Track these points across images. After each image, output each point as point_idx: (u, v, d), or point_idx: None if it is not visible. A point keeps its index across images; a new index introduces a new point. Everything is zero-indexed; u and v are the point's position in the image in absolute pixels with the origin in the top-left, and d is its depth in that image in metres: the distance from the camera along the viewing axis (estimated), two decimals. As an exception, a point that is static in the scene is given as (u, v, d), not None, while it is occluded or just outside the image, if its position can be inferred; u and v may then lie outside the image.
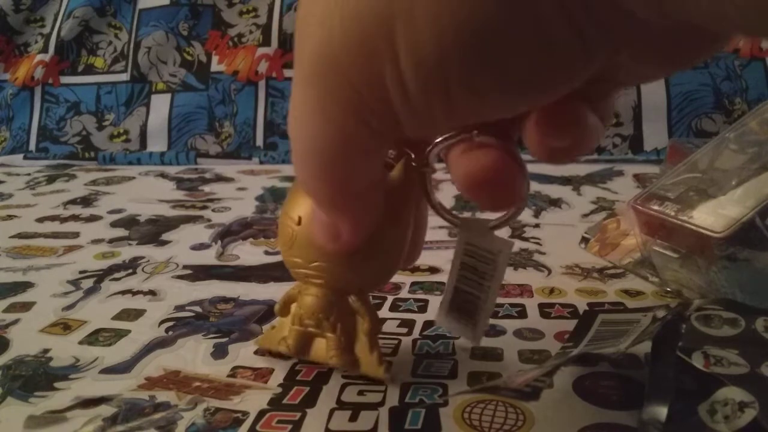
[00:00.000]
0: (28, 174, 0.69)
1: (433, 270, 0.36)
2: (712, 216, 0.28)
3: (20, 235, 0.46)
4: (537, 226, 0.45)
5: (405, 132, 0.16)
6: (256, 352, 0.27)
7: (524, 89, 0.16)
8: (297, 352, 0.25)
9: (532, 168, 0.23)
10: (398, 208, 0.22)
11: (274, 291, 0.34)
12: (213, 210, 0.52)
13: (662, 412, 0.19)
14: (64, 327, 0.30)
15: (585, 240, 0.39)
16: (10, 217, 0.51)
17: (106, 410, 0.23)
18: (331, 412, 0.22)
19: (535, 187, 0.55)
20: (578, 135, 0.19)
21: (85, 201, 0.56)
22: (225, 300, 0.33)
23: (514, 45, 0.14)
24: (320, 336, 0.24)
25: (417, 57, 0.14)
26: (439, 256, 0.38)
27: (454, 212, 0.23)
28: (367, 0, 0.14)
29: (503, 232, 0.23)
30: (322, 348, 0.24)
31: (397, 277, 0.35)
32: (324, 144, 0.17)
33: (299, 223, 0.23)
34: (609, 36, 0.14)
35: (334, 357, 0.24)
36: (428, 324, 0.29)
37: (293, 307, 0.25)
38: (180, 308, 0.32)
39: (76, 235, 0.46)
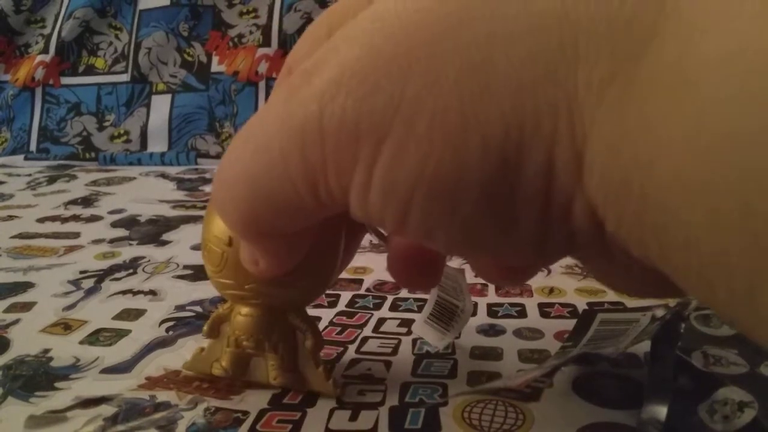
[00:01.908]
0: (29, 174, 0.70)
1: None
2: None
3: (21, 236, 0.46)
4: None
5: (350, 215, 0.16)
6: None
7: (477, 253, 0.17)
8: (235, 374, 0.23)
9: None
10: (333, 226, 0.21)
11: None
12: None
13: (662, 411, 0.19)
14: (65, 327, 0.30)
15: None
16: (10, 217, 0.51)
17: (107, 410, 0.23)
18: (331, 411, 0.22)
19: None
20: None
21: (86, 201, 0.56)
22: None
23: (479, 223, 0.14)
24: (258, 356, 0.23)
25: (391, 177, 0.14)
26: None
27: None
28: (375, 95, 0.14)
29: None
30: (262, 368, 0.23)
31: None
32: (265, 182, 0.16)
33: (230, 244, 0.21)
34: (576, 251, 0.15)
35: (279, 377, 0.23)
36: (428, 324, 0.29)
37: (224, 327, 0.24)
38: (180, 308, 0.32)
39: (76, 235, 0.46)
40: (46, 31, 0.86)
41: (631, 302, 0.32)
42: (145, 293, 0.34)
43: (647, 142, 0.11)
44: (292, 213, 0.16)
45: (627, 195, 0.12)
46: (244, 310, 0.23)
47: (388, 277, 0.34)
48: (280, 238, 0.18)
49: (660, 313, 0.23)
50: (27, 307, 0.32)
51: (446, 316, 0.27)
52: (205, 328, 0.24)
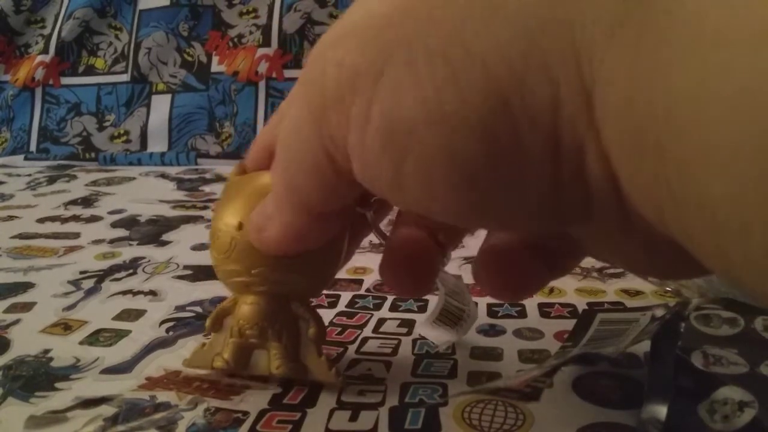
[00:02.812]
0: (29, 175, 0.70)
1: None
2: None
3: (21, 236, 0.46)
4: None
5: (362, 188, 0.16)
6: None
7: (485, 219, 0.15)
8: (237, 366, 0.23)
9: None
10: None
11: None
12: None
13: (662, 411, 0.19)
14: (65, 327, 0.30)
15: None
16: (10, 217, 0.51)
17: (107, 410, 0.23)
18: (331, 412, 0.22)
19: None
20: (514, 281, 0.20)
21: (86, 201, 0.56)
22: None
23: (483, 174, 0.13)
24: (260, 347, 0.23)
25: (388, 115, 0.13)
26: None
27: None
28: (372, 44, 0.14)
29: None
30: (264, 359, 0.23)
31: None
32: (296, 156, 0.17)
33: (240, 228, 0.22)
34: (592, 217, 0.14)
35: (281, 366, 0.23)
36: (428, 324, 0.29)
37: (227, 320, 0.24)
38: (180, 308, 0.32)
39: (76, 235, 0.46)
40: (46, 32, 0.86)
41: (631, 302, 0.32)
42: (145, 293, 0.34)
43: (664, 91, 0.10)
44: (319, 182, 0.17)
45: (642, 147, 0.11)
46: (249, 299, 0.23)
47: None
48: (310, 216, 0.19)
49: (660, 313, 0.23)
50: (27, 307, 0.32)
51: (451, 319, 0.27)
52: (208, 322, 0.24)
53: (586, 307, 0.31)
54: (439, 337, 0.27)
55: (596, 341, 0.23)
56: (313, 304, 0.24)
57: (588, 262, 0.37)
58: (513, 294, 0.23)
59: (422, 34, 0.13)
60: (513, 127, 0.12)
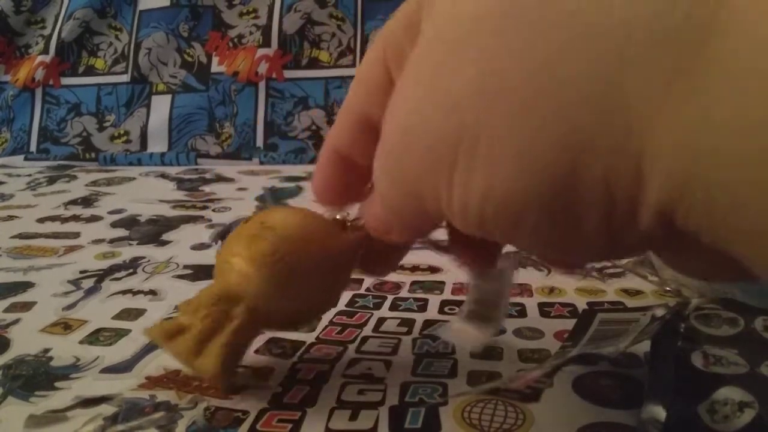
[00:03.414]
0: (29, 175, 0.70)
1: (434, 269, 0.36)
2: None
3: (21, 236, 0.46)
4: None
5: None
6: None
7: (554, 253, 0.18)
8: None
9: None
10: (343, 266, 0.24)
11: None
12: (213, 210, 0.52)
13: (661, 411, 0.19)
14: (65, 327, 0.30)
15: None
16: (11, 217, 0.51)
17: (107, 410, 0.23)
18: (331, 411, 0.22)
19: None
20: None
21: (86, 201, 0.56)
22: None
23: (546, 234, 0.15)
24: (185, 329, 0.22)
25: (464, 199, 0.15)
26: (439, 256, 0.38)
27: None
28: (440, 131, 0.15)
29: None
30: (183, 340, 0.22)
31: (396, 277, 0.35)
32: (397, 206, 0.19)
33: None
34: (648, 248, 0.16)
35: (183, 346, 0.22)
36: (428, 323, 0.29)
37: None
38: (180, 308, 0.32)
39: (76, 235, 0.46)
40: (46, 32, 0.86)
41: (631, 302, 0.32)
42: (145, 293, 0.34)
43: (710, 129, 0.11)
44: (419, 219, 0.19)
45: (693, 187, 0.12)
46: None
47: (387, 277, 0.34)
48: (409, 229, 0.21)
49: (660, 312, 0.23)
50: (27, 306, 0.32)
51: (484, 316, 0.26)
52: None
53: (586, 307, 0.31)
54: (471, 336, 0.25)
55: (596, 341, 0.23)
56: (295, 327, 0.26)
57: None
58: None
59: (481, 121, 0.15)
60: (568, 204, 0.14)
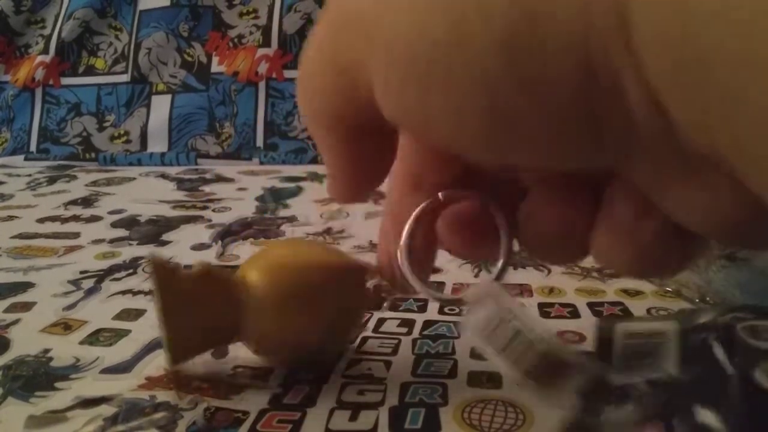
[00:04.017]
0: (29, 175, 0.70)
1: (434, 270, 0.36)
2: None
3: (21, 236, 0.46)
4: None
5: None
6: None
7: (522, 154, 0.14)
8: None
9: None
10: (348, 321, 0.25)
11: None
12: (213, 210, 0.52)
13: (713, 419, 0.18)
14: (65, 327, 0.30)
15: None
16: (10, 217, 0.51)
17: (107, 410, 0.23)
18: (331, 411, 0.22)
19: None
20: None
21: (86, 201, 0.56)
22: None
23: (512, 91, 0.12)
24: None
25: (409, 44, 0.13)
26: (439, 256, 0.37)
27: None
28: None
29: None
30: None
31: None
32: (325, 94, 0.17)
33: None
34: (634, 142, 0.12)
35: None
36: (428, 324, 0.29)
37: None
38: (180, 308, 0.32)
39: (76, 235, 0.46)
40: (46, 32, 0.86)
41: (631, 302, 0.32)
42: (145, 293, 0.34)
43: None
44: (343, 98, 0.16)
45: (687, 63, 0.10)
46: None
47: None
48: (348, 134, 0.18)
49: (687, 323, 0.22)
50: (27, 307, 0.32)
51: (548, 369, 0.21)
52: None
53: (587, 307, 0.31)
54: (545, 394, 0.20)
55: (629, 359, 0.22)
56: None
57: (588, 261, 0.37)
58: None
59: None
60: (539, 50, 0.11)
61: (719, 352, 0.20)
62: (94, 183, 0.64)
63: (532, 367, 0.19)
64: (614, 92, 0.11)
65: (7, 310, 0.32)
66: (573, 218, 0.17)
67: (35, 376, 0.25)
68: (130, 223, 0.49)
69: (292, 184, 0.61)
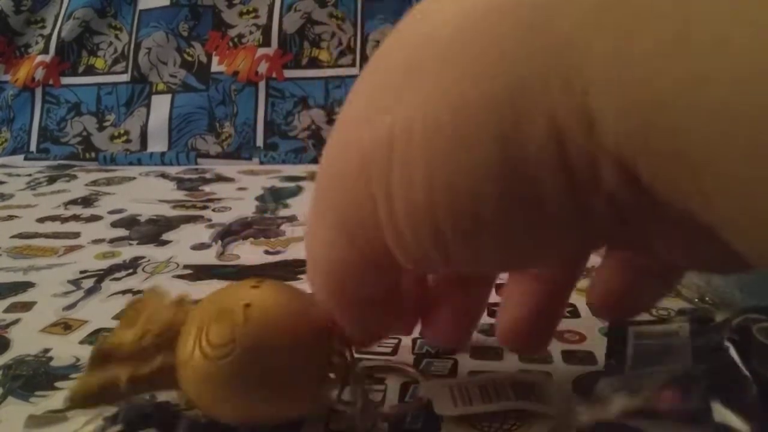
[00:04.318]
0: (29, 174, 0.70)
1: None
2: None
3: (21, 235, 0.46)
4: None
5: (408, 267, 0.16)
6: None
7: (519, 260, 0.16)
8: None
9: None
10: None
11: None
12: (213, 210, 0.52)
13: (736, 420, 0.18)
14: (65, 327, 0.30)
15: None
16: (10, 217, 0.51)
17: (107, 410, 0.23)
18: (332, 411, 0.22)
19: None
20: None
21: (86, 201, 0.56)
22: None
23: (509, 221, 0.13)
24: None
25: (409, 205, 0.14)
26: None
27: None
28: (368, 141, 0.14)
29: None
30: None
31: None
32: (332, 266, 0.17)
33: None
34: (621, 219, 0.13)
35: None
36: (428, 323, 0.29)
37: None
38: (180, 308, 0.32)
39: (76, 235, 0.46)
40: (46, 32, 0.86)
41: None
42: (145, 293, 0.34)
43: (645, 62, 0.10)
44: (360, 280, 0.17)
45: (649, 131, 0.10)
46: None
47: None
48: (368, 306, 0.18)
49: (696, 325, 0.22)
50: (27, 306, 0.32)
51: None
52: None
53: (587, 308, 0.31)
54: None
55: (643, 358, 0.22)
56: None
57: (589, 261, 0.37)
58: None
59: (411, 110, 0.13)
60: (522, 169, 0.12)
61: (734, 353, 0.20)
62: (94, 183, 0.64)
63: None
64: (592, 181, 0.12)
65: (7, 310, 0.32)
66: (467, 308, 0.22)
67: (35, 376, 0.25)
68: (130, 222, 0.49)
69: (292, 184, 0.61)
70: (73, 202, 0.56)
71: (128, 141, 0.79)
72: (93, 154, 0.77)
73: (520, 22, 0.12)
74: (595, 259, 0.37)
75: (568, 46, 0.11)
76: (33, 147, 0.80)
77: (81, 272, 0.37)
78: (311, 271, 0.18)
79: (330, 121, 0.74)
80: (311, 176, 0.63)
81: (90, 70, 0.83)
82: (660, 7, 0.10)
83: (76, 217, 0.51)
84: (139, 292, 0.34)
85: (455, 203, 0.13)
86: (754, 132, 0.09)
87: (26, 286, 0.35)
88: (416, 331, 0.28)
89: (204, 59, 0.80)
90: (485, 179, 0.13)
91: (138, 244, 0.43)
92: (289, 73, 0.76)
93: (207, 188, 0.61)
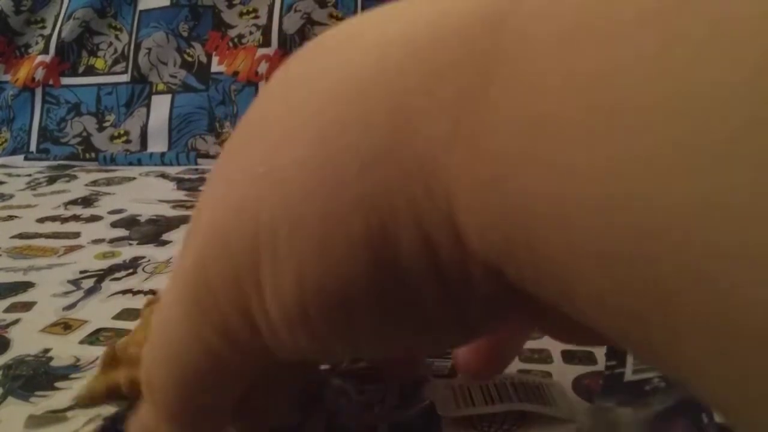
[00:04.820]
0: (29, 175, 0.70)
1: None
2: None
3: (21, 236, 0.46)
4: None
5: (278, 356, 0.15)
6: None
7: (401, 350, 0.16)
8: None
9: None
10: None
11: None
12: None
13: None
14: (65, 327, 0.30)
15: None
16: (10, 217, 0.51)
17: (107, 410, 0.23)
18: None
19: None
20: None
21: (86, 201, 0.56)
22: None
23: (385, 319, 0.13)
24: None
25: (280, 302, 0.13)
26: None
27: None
28: (236, 235, 0.13)
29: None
30: None
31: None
32: (189, 364, 0.15)
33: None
34: (498, 310, 0.13)
35: None
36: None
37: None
38: (180, 308, 0.32)
39: (76, 235, 0.46)
40: (46, 32, 0.86)
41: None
42: (145, 293, 0.34)
43: (499, 166, 0.10)
44: (218, 374, 0.15)
45: (509, 246, 0.11)
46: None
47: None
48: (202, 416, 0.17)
49: None
50: (27, 306, 0.32)
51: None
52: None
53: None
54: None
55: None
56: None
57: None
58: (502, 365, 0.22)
59: (275, 213, 0.13)
60: (394, 277, 0.12)
61: None
62: (94, 183, 0.64)
63: None
64: (467, 287, 0.12)
65: (7, 310, 0.32)
66: None
67: (35, 376, 0.25)
68: (130, 222, 0.49)
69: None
70: (73, 202, 0.56)
71: (128, 141, 0.79)
72: (93, 155, 0.77)
73: (390, 119, 0.12)
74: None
75: (429, 159, 0.11)
76: (33, 147, 0.80)
77: (81, 272, 0.37)
78: (153, 357, 0.16)
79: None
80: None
81: (90, 71, 0.83)
82: (512, 123, 0.10)
83: (76, 217, 0.51)
84: (139, 292, 0.34)
85: (327, 303, 0.13)
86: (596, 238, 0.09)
87: (26, 286, 0.35)
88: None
89: (204, 59, 0.80)
90: (356, 284, 0.12)
91: (138, 244, 0.43)
92: (289, 74, 0.76)
93: (207, 188, 0.61)
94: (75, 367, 0.26)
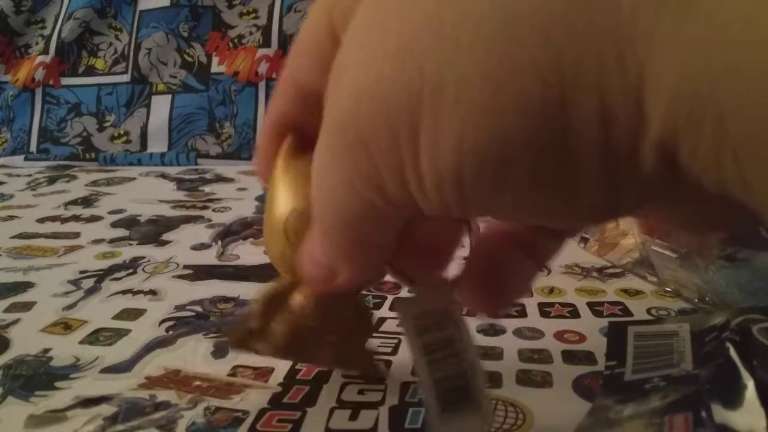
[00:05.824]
0: (29, 175, 0.70)
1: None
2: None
3: (21, 236, 0.46)
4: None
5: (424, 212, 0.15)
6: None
7: (542, 218, 0.16)
8: (290, 353, 0.24)
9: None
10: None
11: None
12: (213, 210, 0.52)
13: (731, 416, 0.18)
14: (65, 327, 0.30)
15: (584, 240, 0.39)
16: (11, 217, 0.51)
17: (107, 409, 0.23)
18: (331, 411, 0.22)
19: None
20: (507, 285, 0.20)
21: (86, 201, 0.56)
22: (225, 300, 0.33)
23: (535, 188, 0.13)
24: (316, 337, 0.22)
25: (435, 163, 0.13)
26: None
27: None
28: (396, 89, 0.13)
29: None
30: (320, 350, 0.23)
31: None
32: (347, 211, 0.16)
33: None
34: (648, 196, 0.13)
35: (336, 360, 0.24)
36: (428, 323, 0.29)
37: (281, 304, 0.22)
38: (180, 308, 0.32)
39: (76, 235, 0.46)
40: (46, 32, 0.86)
41: (632, 302, 0.32)
42: (145, 293, 0.34)
43: (724, 48, 0.10)
44: (377, 223, 0.16)
45: (702, 115, 0.10)
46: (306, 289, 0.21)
47: (387, 277, 0.34)
48: (367, 255, 0.17)
49: (697, 326, 0.22)
50: (27, 306, 0.32)
51: (459, 392, 0.19)
52: (259, 304, 0.22)
53: (587, 308, 0.31)
54: (461, 428, 0.19)
55: (643, 359, 0.22)
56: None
57: (588, 261, 0.37)
58: (508, 297, 0.21)
59: (441, 67, 0.13)
60: (561, 147, 0.12)
61: (734, 353, 0.20)
62: (94, 183, 0.64)
63: (444, 378, 0.19)
64: (631, 164, 0.12)
65: (7, 310, 0.32)
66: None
67: (35, 376, 0.25)
68: (130, 223, 0.49)
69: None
70: (73, 202, 0.56)
71: (128, 141, 0.79)
72: (93, 155, 0.77)
73: None
74: (592, 260, 0.37)
75: (626, 24, 0.11)
76: (33, 147, 0.80)
77: (81, 272, 0.37)
78: (322, 220, 0.17)
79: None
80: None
81: (90, 71, 0.83)
82: None
83: (76, 218, 0.51)
84: (139, 292, 0.34)
85: (483, 168, 0.13)
86: None
87: (26, 286, 0.35)
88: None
89: (204, 60, 0.80)
90: (518, 150, 0.12)
91: (138, 244, 0.43)
92: (289, 74, 0.76)
93: (207, 188, 0.61)
94: (75, 367, 0.26)
